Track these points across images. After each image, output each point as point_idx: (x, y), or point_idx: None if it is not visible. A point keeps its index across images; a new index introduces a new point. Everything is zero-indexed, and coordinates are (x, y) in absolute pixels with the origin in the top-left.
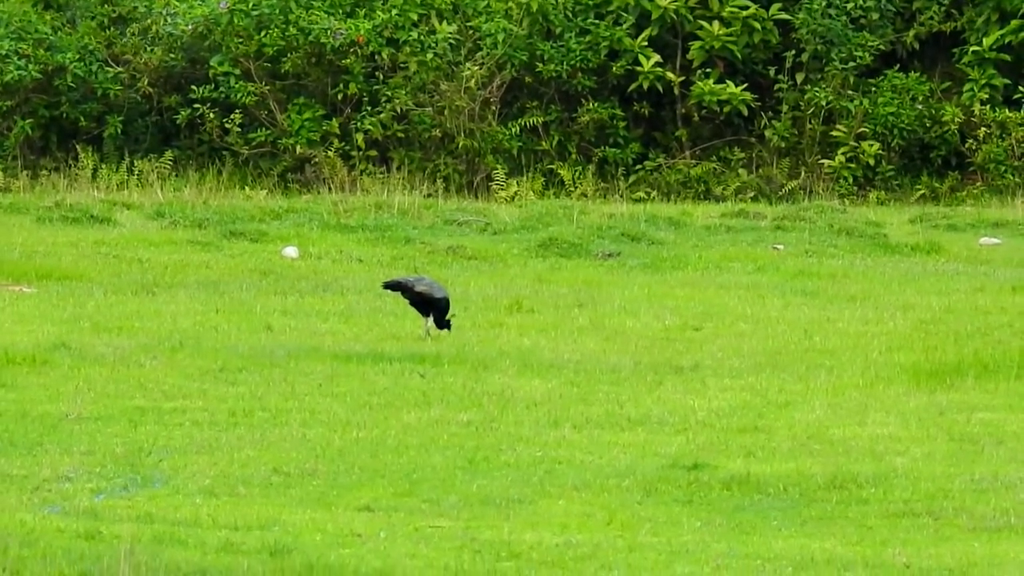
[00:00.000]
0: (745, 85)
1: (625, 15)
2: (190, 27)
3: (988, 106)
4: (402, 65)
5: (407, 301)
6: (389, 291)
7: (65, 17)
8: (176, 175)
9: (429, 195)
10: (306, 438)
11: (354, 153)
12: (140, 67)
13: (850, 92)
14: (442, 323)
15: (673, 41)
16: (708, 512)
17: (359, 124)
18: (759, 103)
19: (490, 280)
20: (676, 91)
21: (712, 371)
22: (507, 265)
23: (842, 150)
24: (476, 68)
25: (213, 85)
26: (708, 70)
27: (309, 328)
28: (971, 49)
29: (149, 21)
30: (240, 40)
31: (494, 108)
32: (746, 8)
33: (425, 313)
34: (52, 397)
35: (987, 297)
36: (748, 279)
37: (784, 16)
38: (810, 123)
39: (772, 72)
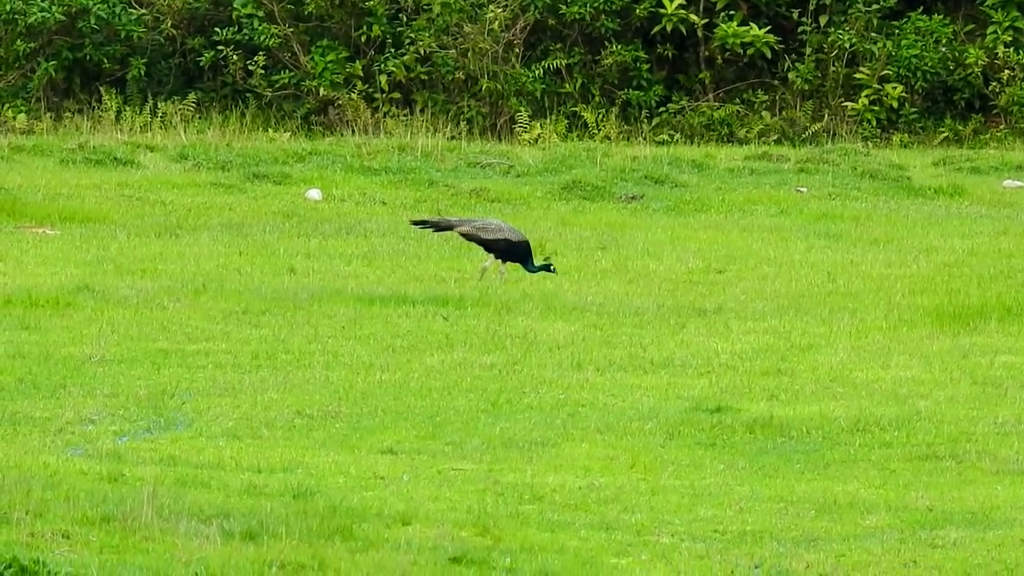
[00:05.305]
0: (768, 27)
1: None
2: None
3: (1012, 48)
4: (425, 7)
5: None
6: (429, 230)
7: None
8: (199, 117)
9: (452, 137)
10: (329, 380)
11: (377, 95)
12: (163, 9)
13: (873, 34)
14: (530, 267)
15: None
16: (731, 455)
17: (382, 66)
18: (782, 45)
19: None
20: (699, 33)
21: (735, 314)
22: (530, 208)
23: (865, 93)
24: (499, 10)
25: (236, 27)
26: (731, 12)
27: (332, 270)
28: None
29: None
30: None
31: (517, 50)
32: None
33: (497, 256)
34: (75, 339)
35: (1010, 240)
36: (771, 222)
37: None
38: (833, 66)
39: (795, 14)
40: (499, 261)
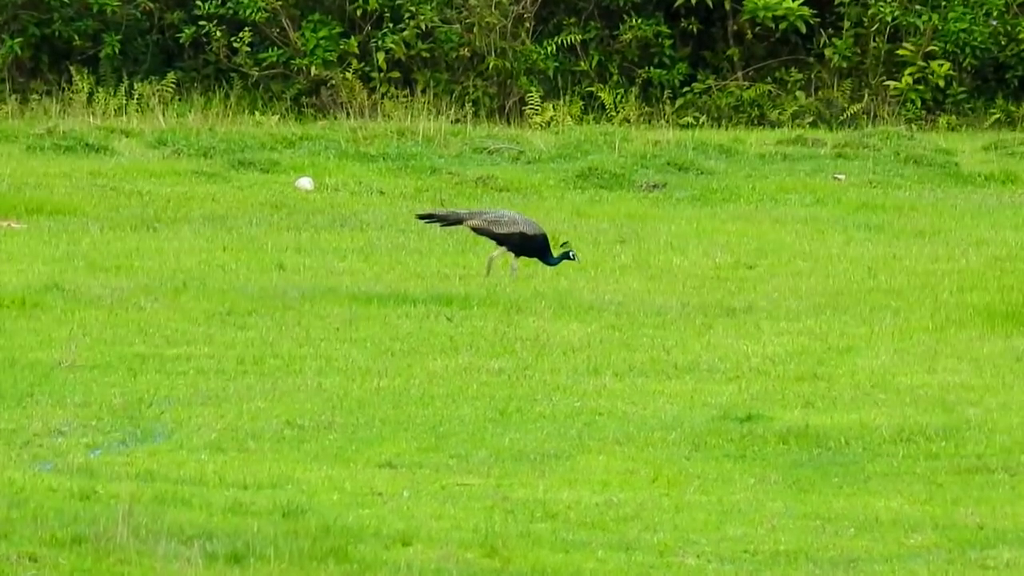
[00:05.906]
0: None
1: None
2: None
3: None
4: None
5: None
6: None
7: None
8: (179, 99)
9: (457, 121)
10: (322, 388)
11: (374, 75)
12: None
13: (918, 7)
14: (549, 260)
15: None
16: (762, 468)
17: (380, 43)
18: (818, 19)
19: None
20: (727, 6)
21: (767, 313)
22: (542, 197)
23: (909, 70)
24: None
25: (220, 0)
26: None
27: (325, 267)
28: None
29: None
30: None
31: (528, 25)
32: None
33: (511, 250)
34: (44, 343)
35: None
36: (806, 212)
37: None
38: (874, 41)
39: None
40: (511, 255)
